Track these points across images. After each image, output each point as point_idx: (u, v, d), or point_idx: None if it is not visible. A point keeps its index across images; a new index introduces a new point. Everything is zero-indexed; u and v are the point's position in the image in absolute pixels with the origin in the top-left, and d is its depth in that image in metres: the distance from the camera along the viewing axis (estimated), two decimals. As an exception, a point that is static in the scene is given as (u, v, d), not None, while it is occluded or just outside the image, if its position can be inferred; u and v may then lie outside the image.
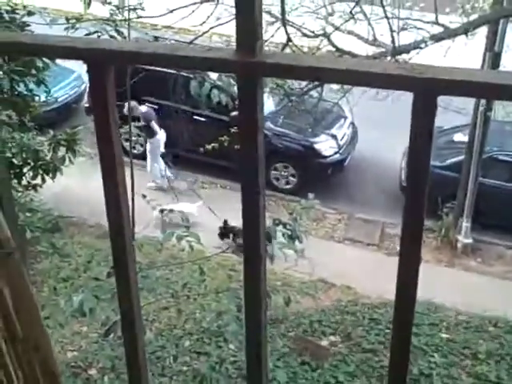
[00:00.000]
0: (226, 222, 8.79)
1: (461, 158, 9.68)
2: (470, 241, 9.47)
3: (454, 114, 9.46)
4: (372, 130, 11.12)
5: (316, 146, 10.94)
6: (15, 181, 6.80)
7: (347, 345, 6.65)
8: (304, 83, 8.70)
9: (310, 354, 6.54)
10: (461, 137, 10.29)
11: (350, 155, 11.30)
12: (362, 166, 11.11)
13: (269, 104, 10.87)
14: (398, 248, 1.03)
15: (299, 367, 6.28)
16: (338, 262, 8.58)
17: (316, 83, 8.30)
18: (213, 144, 8.87)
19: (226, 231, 8.89)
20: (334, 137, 11.12)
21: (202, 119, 11.04)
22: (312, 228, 9.55)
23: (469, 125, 9.48)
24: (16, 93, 6.84)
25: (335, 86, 9.12)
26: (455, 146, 10.32)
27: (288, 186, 10.94)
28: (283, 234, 7.96)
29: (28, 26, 6.57)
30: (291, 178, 10.97)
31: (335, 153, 11.00)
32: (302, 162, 10.85)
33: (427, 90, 0.92)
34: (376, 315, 7.25)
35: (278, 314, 7.10)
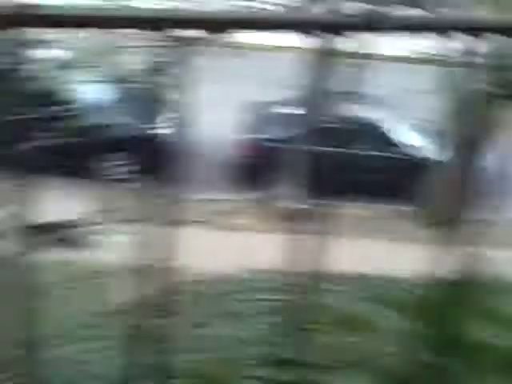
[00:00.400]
0: (36, 221, 8.47)
1: (291, 129, 10.10)
2: (299, 206, 9.97)
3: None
4: (210, 110, 11.29)
5: (155, 132, 10.89)
6: None
7: (177, 320, 6.75)
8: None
9: (146, 334, 6.55)
10: (290, 109, 10.85)
11: (190, 137, 11.36)
12: (201, 147, 11.25)
13: (105, 93, 10.68)
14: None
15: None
16: (171, 243, 8.67)
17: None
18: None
19: (41, 229, 8.58)
20: (172, 120, 11.09)
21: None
22: (147, 213, 9.51)
23: (297, 98, 9.93)
24: None
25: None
26: (285, 119, 10.83)
27: (127, 175, 10.79)
28: (114, 221, 7.94)
29: None
30: (130, 167, 10.83)
31: (174, 136, 10.98)
32: (141, 148, 10.72)
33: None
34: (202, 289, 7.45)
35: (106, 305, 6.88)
